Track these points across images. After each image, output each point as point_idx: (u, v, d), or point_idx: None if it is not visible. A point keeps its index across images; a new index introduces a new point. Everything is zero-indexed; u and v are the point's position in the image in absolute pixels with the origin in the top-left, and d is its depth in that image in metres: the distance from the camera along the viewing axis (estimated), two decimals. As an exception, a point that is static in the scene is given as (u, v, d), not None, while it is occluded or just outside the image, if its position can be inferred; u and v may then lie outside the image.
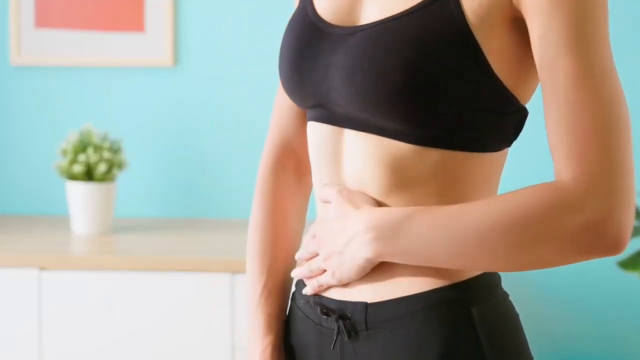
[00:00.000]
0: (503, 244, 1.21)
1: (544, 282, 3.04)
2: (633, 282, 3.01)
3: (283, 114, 1.51)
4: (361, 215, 1.29)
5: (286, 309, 1.49)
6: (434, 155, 1.27)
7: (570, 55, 1.20)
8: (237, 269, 2.56)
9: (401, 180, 1.29)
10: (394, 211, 1.27)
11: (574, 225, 1.18)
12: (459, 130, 1.26)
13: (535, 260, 1.21)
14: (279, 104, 1.52)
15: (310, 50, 1.34)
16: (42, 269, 2.58)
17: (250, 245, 1.50)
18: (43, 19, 3.03)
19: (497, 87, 1.25)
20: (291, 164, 1.52)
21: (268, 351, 1.46)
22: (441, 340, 1.27)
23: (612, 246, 1.18)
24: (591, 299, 3.03)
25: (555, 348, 3.04)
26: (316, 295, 1.38)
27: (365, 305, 1.32)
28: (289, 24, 1.40)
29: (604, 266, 3.01)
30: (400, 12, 1.26)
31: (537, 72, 1.28)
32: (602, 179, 1.17)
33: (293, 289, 1.48)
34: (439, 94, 1.24)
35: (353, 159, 1.32)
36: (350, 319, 1.33)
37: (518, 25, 1.25)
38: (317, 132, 1.37)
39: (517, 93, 1.28)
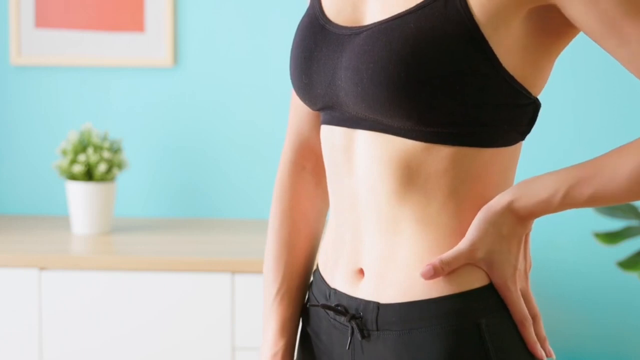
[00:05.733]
0: None
1: (544, 282, 3.04)
2: (633, 282, 3.00)
3: (299, 115, 1.50)
4: (512, 219, 1.29)
5: (301, 312, 1.49)
6: (445, 152, 1.27)
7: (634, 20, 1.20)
8: (237, 269, 2.56)
9: (413, 179, 1.29)
10: (539, 198, 1.27)
11: None
12: (469, 126, 1.26)
13: None
14: (295, 105, 1.51)
15: (317, 52, 1.34)
16: (42, 269, 2.58)
17: (267, 248, 1.50)
18: (43, 19, 3.03)
19: (508, 81, 1.25)
20: (309, 165, 1.51)
21: (279, 356, 1.47)
22: (447, 351, 1.27)
23: None
24: (591, 299, 3.03)
25: (555, 348, 3.04)
26: (331, 288, 1.39)
27: (377, 305, 1.32)
28: (298, 25, 1.40)
29: (604, 266, 3.01)
30: (404, 11, 1.26)
31: (548, 62, 1.28)
32: None
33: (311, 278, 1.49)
34: (444, 91, 1.23)
35: (364, 160, 1.32)
36: (362, 318, 1.33)
37: (535, 13, 1.25)
38: (329, 135, 1.36)
39: (528, 85, 1.28)
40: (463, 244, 1.28)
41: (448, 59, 1.23)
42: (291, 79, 1.39)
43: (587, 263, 3.02)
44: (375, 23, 1.29)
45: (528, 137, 1.51)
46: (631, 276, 2.99)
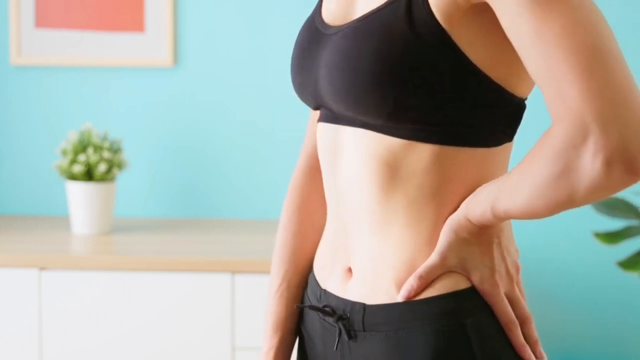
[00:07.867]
0: (545, 204, 1.19)
1: (543, 282, 3.04)
2: (633, 282, 3.01)
3: (315, 117, 1.53)
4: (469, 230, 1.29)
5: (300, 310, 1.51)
6: (427, 150, 1.27)
7: (525, 18, 1.16)
8: (237, 269, 2.56)
9: (395, 176, 1.29)
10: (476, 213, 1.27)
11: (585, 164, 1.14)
12: (449, 125, 1.25)
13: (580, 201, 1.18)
14: None
15: (308, 52, 1.36)
16: (42, 269, 2.58)
17: (275, 246, 1.53)
18: (43, 19, 3.03)
19: (482, 80, 1.24)
20: None
21: (272, 353, 1.49)
22: (434, 351, 1.27)
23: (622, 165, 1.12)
24: (591, 299, 3.03)
25: (555, 348, 3.04)
26: (321, 289, 1.40)
27: (364, 306, 1.32)
28: (301, 27, 1.42)
29: (604, 266, 3.01)
30: (373, 9, 1.27)
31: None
32: (581, 113, 1.13)
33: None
34: (412, 88, 1.23)
35: (349, 156, 1.33)
36: (348, 319, 1.34)
37: (477, 10, 1.23)
38: (321, 132, 1.38)
39: (508, 86, 1.26)
40: (434, 255, 1.29)
41: (415, 56, 1.22)
42: (291, 79, 1.41)
43: (587, 263, 3.02)
44: (351, 22, 1.30)
45: (521, 138, 1.50)
46: (631, 276, 2.99)
